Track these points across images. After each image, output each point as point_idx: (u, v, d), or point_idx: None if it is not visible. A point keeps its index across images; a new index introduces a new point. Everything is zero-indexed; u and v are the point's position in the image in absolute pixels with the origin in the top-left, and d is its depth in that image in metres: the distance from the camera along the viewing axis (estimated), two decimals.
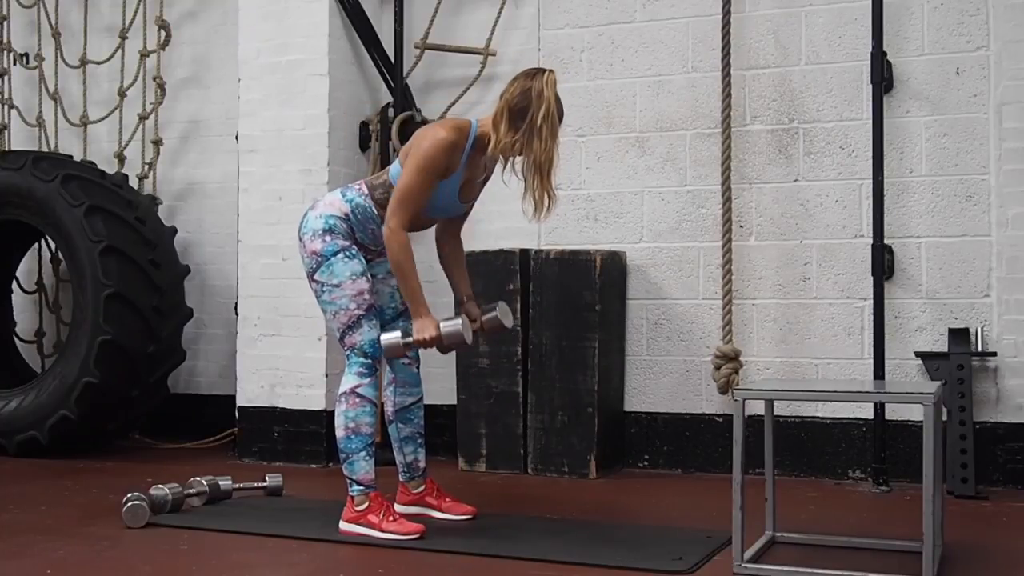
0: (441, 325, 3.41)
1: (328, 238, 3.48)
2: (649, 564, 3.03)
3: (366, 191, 3.54)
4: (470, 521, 3.67)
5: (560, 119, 3.42)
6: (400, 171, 3.45)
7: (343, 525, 3.49)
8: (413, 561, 3.11)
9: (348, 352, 3.52)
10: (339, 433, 3.51)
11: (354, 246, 3.52)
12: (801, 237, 4.65)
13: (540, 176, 3.34)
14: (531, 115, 3.31)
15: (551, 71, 3.39)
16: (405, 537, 3.36)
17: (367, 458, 3.48)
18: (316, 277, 3.50)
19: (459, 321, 3.43)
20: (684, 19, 4.85)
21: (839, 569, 2.91)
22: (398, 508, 3.64)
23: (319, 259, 3.48)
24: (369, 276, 3.53)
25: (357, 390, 3.48)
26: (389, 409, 3.78)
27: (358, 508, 3.47)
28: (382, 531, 3.40)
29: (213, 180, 5.81)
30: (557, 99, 3.38)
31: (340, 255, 3.48)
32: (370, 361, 3.50)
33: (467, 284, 3.76)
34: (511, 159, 3.46)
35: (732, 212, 4.64)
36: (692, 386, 4.78)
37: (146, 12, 5.85)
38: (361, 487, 3.47)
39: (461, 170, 3.45)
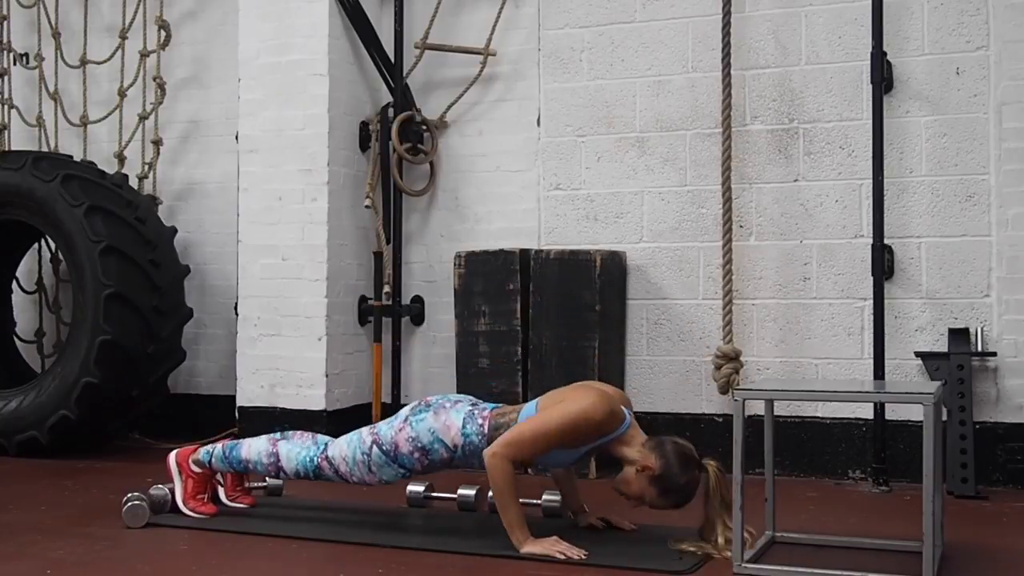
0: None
1: (416, 455, 3.38)
2: (649, 564, 3.03)
3: (487, 431, 3.31)
4: (470, 521, 3.67)
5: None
6: (532, 415, 3.27)
7: (172, 457, 3.74)
8: (413, 561, 3.11)
9: (365, 452, 3.43)
10: (281, 449, 3.57)
11: (420, 473, 3.47)
12: (801, 237, 4.65)
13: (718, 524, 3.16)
14: (708, 503, 3.18)
15: (714, 467, 3.20)
16: (196, 515, 3.64)
17: (233, 469, 3.69)
18: (381, 442, 3.42)
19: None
20: (684, 19, 4.85)
21: (839, 569, 2.91)
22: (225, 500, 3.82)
23: (393, 450, 3.39)
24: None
25: (325, 467, 3.50)
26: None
27: (194, 468, 3.70)
28: (185, 501, 3.67)
29: (213, 180, 5.80)
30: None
31: (401, 469, 3.41)
32: (339, 479, 3.52)
33: (578, 497, 3.61)
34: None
35: (732, 212, 4.64)
36: (692, 386, 4.78)
37: (146, 12, 5.85)
38: (209, 466, 3.70)
39: (587, 447, 3.27)
